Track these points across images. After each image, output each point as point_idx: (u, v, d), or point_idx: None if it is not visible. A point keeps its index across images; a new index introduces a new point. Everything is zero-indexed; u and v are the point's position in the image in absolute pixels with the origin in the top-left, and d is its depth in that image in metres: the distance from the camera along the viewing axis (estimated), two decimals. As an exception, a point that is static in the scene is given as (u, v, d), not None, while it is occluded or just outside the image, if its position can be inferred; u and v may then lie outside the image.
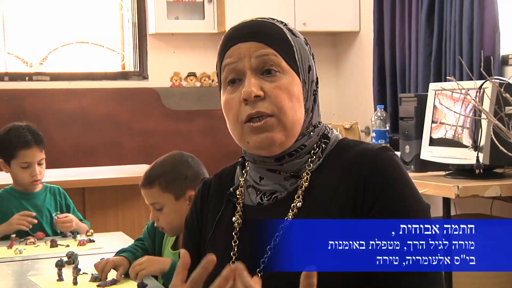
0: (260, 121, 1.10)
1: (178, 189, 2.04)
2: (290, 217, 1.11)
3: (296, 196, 1.13)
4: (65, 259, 2.13)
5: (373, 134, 3.85)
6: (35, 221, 2.67)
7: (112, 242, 2.63)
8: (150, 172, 2.07)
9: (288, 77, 1.13)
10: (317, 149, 1.16)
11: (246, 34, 1.14)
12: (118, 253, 2.10)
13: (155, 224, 2.08)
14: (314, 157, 1.15)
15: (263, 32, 1.13)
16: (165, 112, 4.97)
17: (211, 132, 4.96)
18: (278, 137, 1.11)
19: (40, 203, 2.78)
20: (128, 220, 3.52)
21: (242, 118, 1.12)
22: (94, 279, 1.99)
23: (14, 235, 2.56)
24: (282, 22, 1.18)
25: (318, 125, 1.18)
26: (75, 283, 1.99)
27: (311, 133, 1.16)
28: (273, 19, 1.18)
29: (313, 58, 1.20)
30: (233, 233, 1.16)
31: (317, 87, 1.19)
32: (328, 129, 1.20)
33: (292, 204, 1.12)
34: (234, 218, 1.17)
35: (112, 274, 2.01)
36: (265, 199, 1.16)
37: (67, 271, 2.05)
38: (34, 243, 2.56)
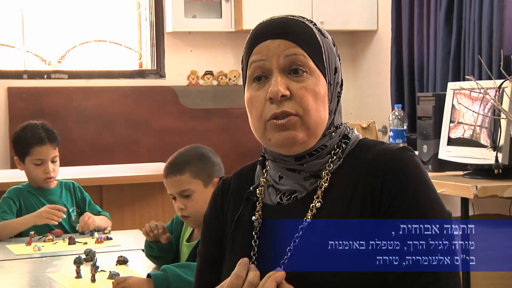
0: (283, 119, 1.10)
1: (207, 175, 2.05)
2: (309, 217, 1.11)
3: (315, 196, 1.12)
4: (83, 256, 2.14)
5: (391, 134, 3.83)
6: (64, 216, 2.67)
7: (129, 240, 2.65)
8: (176, 160, 2.06)
9: (315, 78, 1.12)
10: (338, 149, 1.15)
11: (276, 31, 1.13)
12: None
13: (180, 214, 2.05)
14: (335, 157, 1.14)
15: (293, 31, 1.13)
16: (182, 111, 4.98)
17: (228, 131, 4.97)
18: (300, 136, 1.11)
19: (57, 199, 2.79)
20: (145, 217, 3.52)
21: (266, 116, 1.11)
22: (111, 276, 1.99)
23: (32, 232, 2.58)
24: (311, 22, 1.17)
25: (340, 126, 1.18)
26: (93, 280, 2.01)
27: (333, 133, 1.16)
28: (303, 18, 1.17)
29: (339, 60, 1.19)
30: (253, 233, 1.16)
31: (341, 89, 1.19)
32: (349, 129, 1.19)
33: (312, 204, 1.12)
34: (254, 218, 1.17)
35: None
36: (285, 198, 1.16)
37: (85, 268, 2.06)
38: (52, 240, 2.58)
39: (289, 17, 1.16)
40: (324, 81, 1.14)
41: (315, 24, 1.17)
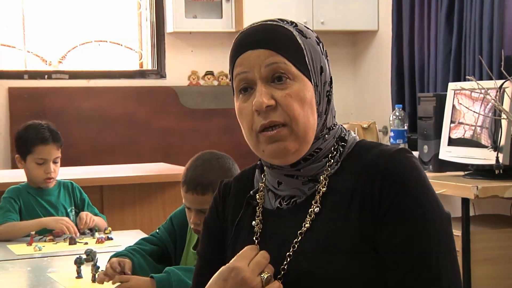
0: (273, 130, 1.10)
1: None
2: (308, 223, 1.11)
3: (313, 201, 1.12)
4: (84, 256, 2.14)
5: (391, 134, 3.83)
6: (77, 235, 2.63)
7: (130, 240, 2.63)
8: (200, 179, 1.94)
9: (299, 83, 1.11)
10: (335, 152, 1.15)
11: (255, 41, 1.12)
12: (115, 255, 2.03)
13: (193, 227, 1.97)
14: (332, 161, 1.14)
15: (272, 38, 1.12)
16: (182, 111, 4.99)
17: (229, 131, 4.97)
18: (291, 146, 1.10)
19: (55, 199, 2.79)
20: (146, 217, 3.53)
21: (256, 127, 1.11)
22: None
23: (33, 232, 2.58)
24: (292, 23, 1.16)
25: (333, 127, 1.17)
26: (93, 280, 2.01)
27: (326, 135, 1.15)
28: (282, 21, 1.16)
29: (327, 57, 1.18)
30: (253, 238, 1.16)
31: (330, 87, 1.17)
32: (345, 131, 1.18)
33: (310, 209, 1.12)
34: (254, 223, 1.17)
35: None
36: (284, 203, 1.15)
37: (86, 268, 2.06)
38: (53, 240, 2.58)
39: (268, 22, 1.15)
40: (310, 84, 1.12)
41: (296, 26, 1.15)
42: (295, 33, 1.14)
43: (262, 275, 1.07)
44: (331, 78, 1.18)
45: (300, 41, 1.13)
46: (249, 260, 1.08)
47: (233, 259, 1.09)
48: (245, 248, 1.11)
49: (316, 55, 1.14)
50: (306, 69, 1.12)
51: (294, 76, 1.11)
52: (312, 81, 1.13)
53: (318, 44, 1.16)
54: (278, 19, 1.16)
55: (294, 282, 1.07)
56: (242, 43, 1.14)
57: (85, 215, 2.73)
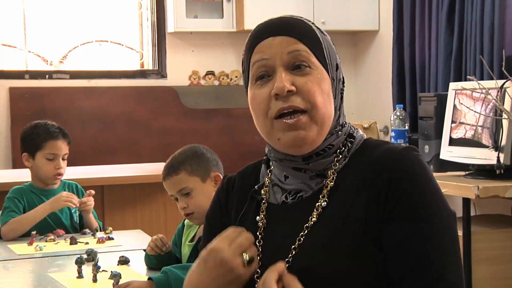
0: (292, 118, 1.09)
1: (203, 171, 2.11)
2: (315, 216, 1.11)
3: (321, 195, 1.12)
4: (85, 256, 2.14)
5: (392, 134, 3.83)
6: (78, 204, 2.69)
7: (131, 240, 2.65)
8: (172, 162, 2.14)
9: (318, 73, 1.12)
10: (343, 148, 1.15)
11: (276, 28, 1.13)
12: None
13: (183, 213, 2.09)
14: (341, 156, 1.15)
15: (294, 27, 1.13)
16: (183, 111, 4.99)
17: (229, 131, 4.97)
18: (310, 135, 1.10)
19: None
20: (146, 217, 3.53)
21: (272, 113, 1.11)
22: (113, 276, 1.99)
23: (34, 232, 2.58)
24: (309, 21, 1.18)
25: (345, 125, 1.18)
26: (94, 280, 2.01)
27: (339, 132, 1.16)
28: (301, 17, 1.18)
29: (339, 58, 1.20)
30: (257, 232, 1.16)
31: (343, 86, 1.19)
32: (353, 128, 1.20)
33: (317, 204, 1.12)
34: (258, 217, 1.17)
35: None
36: (290, 198, 1.16)
37: (87, 268, 2.06)
38: (54, 240, 2.59)
39: (288, 16, 1.17)
40: (328, 77, 1.14)
41: (313, 23, 1.18)
42: (314, 28, 1.16)
43: (244, 255, 1.08)
44: (343, 78, 1.19)
45: (319, 35, 1.15)
46: (230, 241, 1.09)
47: (214, 240, 1.10)
48: (228, 229, 1.11)
49: (332, 52, 1.16)
50: (324, 62, 1.14)
51: (314, 65, 1.12)
52: (330, 74, 1.14)
53: (333, 45, 1.18)
54: (297, 16, 1.18)
55: (299, 274, 1.07)
56: (263, 31, 1.14)
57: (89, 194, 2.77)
